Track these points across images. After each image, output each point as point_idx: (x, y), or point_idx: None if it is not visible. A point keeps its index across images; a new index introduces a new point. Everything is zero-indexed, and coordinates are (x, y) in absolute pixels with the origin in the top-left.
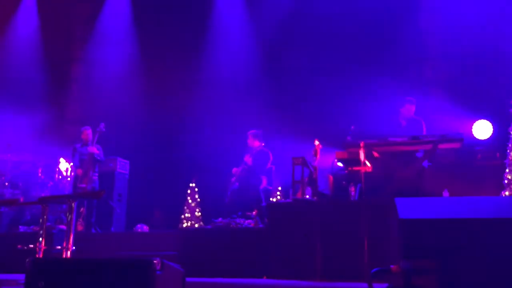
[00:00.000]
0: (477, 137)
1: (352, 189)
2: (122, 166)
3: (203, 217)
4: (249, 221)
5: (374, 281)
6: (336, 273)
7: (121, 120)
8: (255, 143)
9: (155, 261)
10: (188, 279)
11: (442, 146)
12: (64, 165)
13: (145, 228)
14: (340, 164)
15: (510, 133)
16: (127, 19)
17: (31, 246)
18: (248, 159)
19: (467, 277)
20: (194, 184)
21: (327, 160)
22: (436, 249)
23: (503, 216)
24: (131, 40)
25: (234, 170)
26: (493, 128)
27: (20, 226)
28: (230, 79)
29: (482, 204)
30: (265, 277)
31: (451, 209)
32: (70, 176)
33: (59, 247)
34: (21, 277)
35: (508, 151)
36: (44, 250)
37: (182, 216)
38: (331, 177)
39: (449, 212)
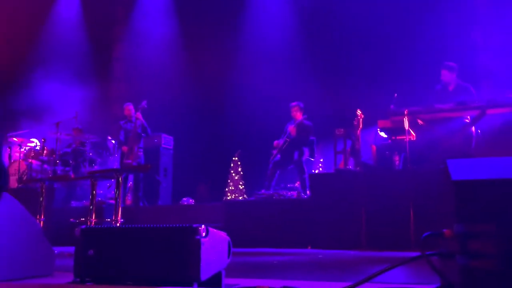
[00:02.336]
0: None
1: (396, 158)
2: (166, 141)
3: (246, 190)
4: (292, 192)
5: (425, 246)
6: (381, 242)
7: (164, 96)
8: (298, 115)
9: (200, 228)
10: (234, 249)
11: (491, 111)
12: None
13: (191, 201)
14: (383, 133)
15: None
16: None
17: (83, 219)
18: (292, 129)
19: None
20: (236, 158)
21: (370, 130)
22: (495, 211)
23: None
24: (170, 16)
25: (276, 142)
26: None
27: (72, 201)
28: (270, 52)
29: None
30: (309, 247)
31: (508, 168)
32: (117, 153)
33: (108, 219)
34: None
35: None
36: (95, 223)
37: (226, 189)
38: (374, 147)
39: (507, 172)
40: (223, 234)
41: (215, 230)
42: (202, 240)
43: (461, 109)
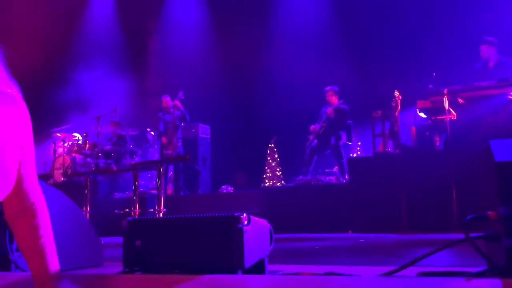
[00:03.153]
0: None
1: (437, 139)
2: (203, 131)
3: (284, 176)
4: (330, 177)
5: (469, 229)
6: (423, 225)
7: (199, 86)
8: (333, 99)
9: (242, 216)
10: (275, 235)
11: None
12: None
13: (230, 189)
14: (422, 114)
15: None
16: None
17: (127, 210)
18: (330, 111)
19: None
20: (273, 144)
21: (408, 111)
22: None
23: None
24: (202, 5)
25: (312, 127)
26: None
27: (115, 193)
28: (303, 36)
29: None
30: (350, 231)
31: None
32: (156, 144)
33: (151, 210)
34: (120, 239)
35: None
36: (138, 213)
37: (264, 176)
38: (413, 128)
39: None
40: (264, 221)
41: (256, 218)
42: (245, 228)
43: (503, 85)
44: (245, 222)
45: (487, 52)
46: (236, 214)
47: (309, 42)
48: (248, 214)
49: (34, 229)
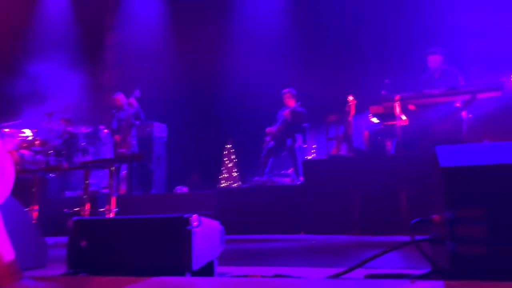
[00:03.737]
0: None
1: (388, 144)
2: (159, 130)
3: (240, 177)
4: (285, 179)
5: (415, 232)
6: (374, 227)
7: (156, 84)
8: (291, 102)
9: (191, 218)
10: (227, 236)
11: (481, 95)
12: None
13: (185, 189)
14: (375, 119)
15: None
16: None
17: (77, 209)
18: (287, 113)
19: None
20: (230, 145)
21: (362, 115)
22: (484, 197)
23: None
24: (161, 2)
25: (269, 129)
26: None
27: (66, 192)
28: (262, 37)
29: None
30: (302, 233)
31: (496, 154)
32: (110, 142)
33: (102, 209)
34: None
35: None
36: (89, 213)
37: (220, 177)
38: (366, 133)
39: (495, 158)
40: (215, 223)
41: (207, 219)
42: (194, 229)
43: (451, 93)
44: (195, 224)
45: (434, 62)
46: (185, 216)
47: (267, 44)
48: (198, 216)
49: None
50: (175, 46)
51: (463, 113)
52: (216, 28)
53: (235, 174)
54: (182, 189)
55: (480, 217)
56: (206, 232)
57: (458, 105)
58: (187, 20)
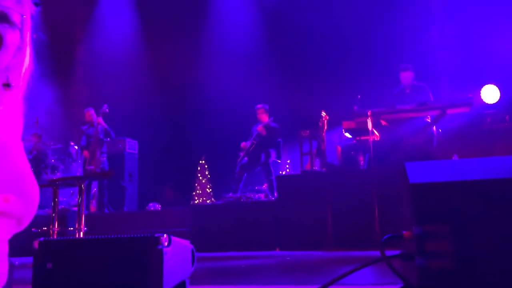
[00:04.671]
0: (485, 101)
1: (361, 159)
2: (131, 146)
3: (214, 193)
4: (259, 194)
5: (386, 248)
6: (348, 242)
7: (128, 100)
8: (264, 117)
9: (162, 237)
10: (201, 254)
11: (450, 111)
12: None
13: (157, 206)
14: (347, 134)
15: None
16: None
17: (45, 228)
18: (261, 129)
19: (483, 240)
20: (203, 161)
21: (335, 131)
22: (450, 213)
23: None
24: (133, 18)
25: (243, 144)
26: (501, 91)
27: None
28: (235, 54)
29: (496, 165)
30: (277, 249)
31: (463, 171)
32: (80, 159)
33: (71, 228)
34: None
35: None
36: (58, 232)
37: (194, 193)
38: (339, 148)
39: (462, 174)
40: (186, 242)
41: (178, 239)
42: (164, 249)
43: (422, 109)
44: (166, 244)
45: (406, 78)
46: (156, 235)
47: (241, 60)
48: (168, 235)
49: None
50: (147, 60)
51: (434, 128)
52: (189, 42)
53: (209, 190)
54: (155, 206)
55: (447, 233)
56: (177, 252)
57: (428, 120)
58: (160, 35)
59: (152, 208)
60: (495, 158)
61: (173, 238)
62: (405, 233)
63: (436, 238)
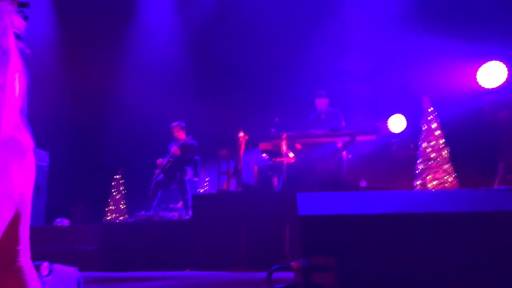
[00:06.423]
0: (392, 130)
1: (275, 180)
2: (40, 157)
3: (128, 210)
4: (173, 213)
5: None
6: (259, 263)
7: (38, 108)
8: (181, 135)
9: (42, 266)
10: (109, 274)
11: (360, 138)
12: None
13: (66, 222)
14: (264, 155)
15: (422, 126)
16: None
17: None
18: (176, 150)
19: (367, 274)
20: (119, 176)
21: (252, 151)
22: (335, 245)
23: (401, 211)
24: (50, 21)
25: (159, 161)
26: (406, 121)
27: None
28: (154, 69)
29: (385, 199)
30: (188, 270)
31: (353, 204)
32: None
33: None
34: None
35: (420, 142)
36: None
37: (107, 209)
38: (256, 168)
39: (350, 208)
40: (72, 270)
41: (63, 267)
42: (44, 279)
43: (334, 135)
44: (45, 273)
45: (321, 104)
46: (36, 263)
47: (162, 75)
48: (50, 263)
49: None
50: (62, 68)
51: (344, 154)
52: (109, 54)
53: (122, 206)
54: (63, 221)
55: (332, 266)
56: (59, 281)
57: (339, 145)
58: (77, 43)
59: (59, 224)
60: (383, 192)
61: (56, 267)
62: (293, 264)
63: (322, 270)
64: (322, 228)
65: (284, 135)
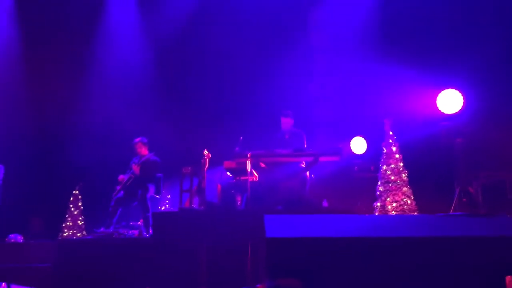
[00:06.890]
0: (354, 151)
1: (238, 198)
2: None
3: (86, 226)
4: (133, 231)
5: None
6: (221, 283)
7: None
8: (143, 151)
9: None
10: None
11: (322, 158)
12: None
13: (19, 238)
14: (228, 173)
15: (382, 149)
16: (6, 7)
17: None
18: (136, 168)
19: None
20: (77, 191)
21: (216, 169)
22: (300, 268)
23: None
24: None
25: (121, 177)
26: (368, 144)
27: None
28: (117, 83)
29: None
30: None
31: (316, 227)
32: None
33: None
34: None
35: (380, 165)
36: None
37: (64, 225)
38: (219, 186)
39: (317, 231)
40: None
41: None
42: None
43: (297, 155)
44: None
45: (285, 124)
46: None
47: (126, 89)
48: (8, 284)
49: None
50: (19, 80)
51: (307, 173)
52: (71, 66)
53: (80, 222)
54: (17, 237)
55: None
56: None
57: (303, 165)
58: (37, 54)
59: (12, 240)
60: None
61: (13, 287)
62: (259, 286)
63: None
64: (288, 251)
65: (249, 154)
